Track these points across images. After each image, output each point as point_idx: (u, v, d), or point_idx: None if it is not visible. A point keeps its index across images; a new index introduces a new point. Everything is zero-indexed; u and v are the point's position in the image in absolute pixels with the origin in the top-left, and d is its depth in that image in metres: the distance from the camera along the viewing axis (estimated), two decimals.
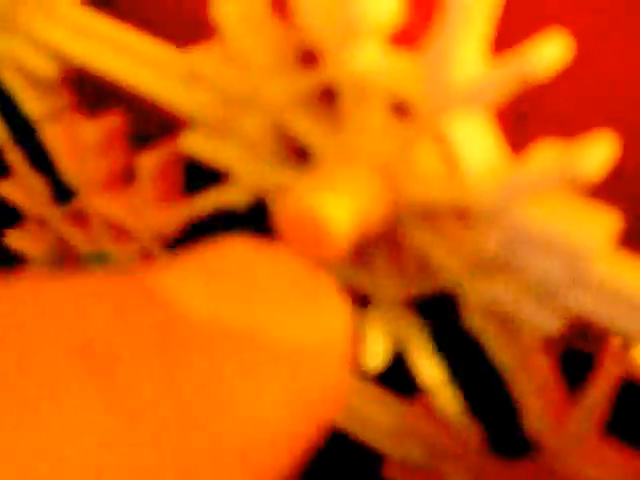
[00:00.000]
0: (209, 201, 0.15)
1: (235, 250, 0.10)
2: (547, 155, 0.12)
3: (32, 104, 0.16)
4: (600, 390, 0.13)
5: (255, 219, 0.15)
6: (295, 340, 0.09)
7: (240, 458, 0.08)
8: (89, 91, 0.16)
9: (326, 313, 0.09)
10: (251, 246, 0.10)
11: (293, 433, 0.08)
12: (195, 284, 0.09)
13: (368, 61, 0.12)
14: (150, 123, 0.17)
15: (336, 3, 0.12)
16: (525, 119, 0.14)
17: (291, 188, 0.13)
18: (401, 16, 0.13)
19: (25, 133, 0.16)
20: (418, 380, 0.15)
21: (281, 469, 0.08)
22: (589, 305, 0.12)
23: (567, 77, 0.13)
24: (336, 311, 0.09)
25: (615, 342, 0.14)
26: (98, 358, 0.08)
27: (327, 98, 0.13)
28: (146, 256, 0.16)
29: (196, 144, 0.14)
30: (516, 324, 0.13)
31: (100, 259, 0.17)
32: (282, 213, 0.12)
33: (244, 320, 0.09)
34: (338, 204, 0.12)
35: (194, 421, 0.08)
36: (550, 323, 0.12)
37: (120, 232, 0.16)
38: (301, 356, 0.09)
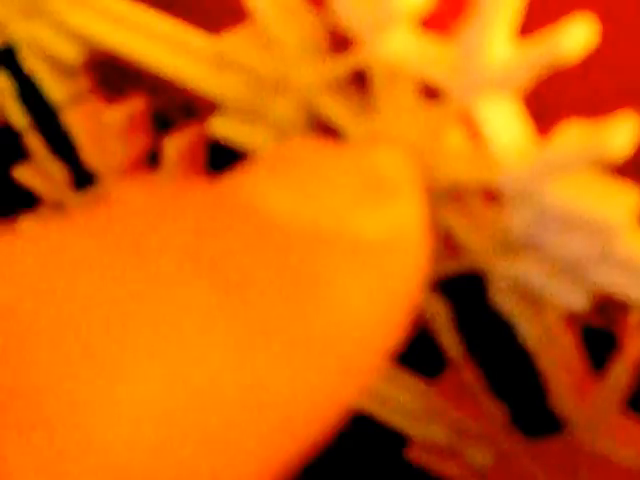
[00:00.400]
0: None
1: (307, 151, 0.10)
2: (573, 135, 0.13)
3: (55, 88, 0.16)
4: (623, 367, 0.14)
5: None
6: (376, 234, 0.10)
7: (340, 354, 0.09)
8: (112, 74, 0.16)
9: (401, 206, 0.10)
10: (321, 146, 0.11)
11: (385, 323, 0.09)
12: (277, 189, 0.10)
13: (400, 45, 0.13)
14: (173, 106, 0.17)
15: None
16: (550, 103, 0.15)
17: None
18: (432, 2, 0.13)
19: (46, 118, 0.16)
20: (444, 358, 0.15)
21: (372, 367, 0.09)
22: (615, 280, 0.13)
23: (592, 61, 0.14)
24: (410, 203, 0.10)
25: (637, 319, 0.14)
26: (209, 266, 0.08)
27: (358, 82, 0.14)
28: None
29: (225, 127, 0.14)
30: (542, 301, 0.13)
31: None
32: None
33: (328, 219, 0.09)
34: None
35: (302, 319, 0.08)
36: (577, 299, 0.13)
37: None
38: (383, 249, 0.09)
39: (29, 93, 0.16)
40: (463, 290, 0.14)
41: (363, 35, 0.13)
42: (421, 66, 0.13)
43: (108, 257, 0.08)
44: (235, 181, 0.10)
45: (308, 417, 0.08)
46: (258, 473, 0.08)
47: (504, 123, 0.13)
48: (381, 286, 0.09)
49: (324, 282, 0.09)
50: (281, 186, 0.10)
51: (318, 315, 0.08)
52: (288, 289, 0.08)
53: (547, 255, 0.13)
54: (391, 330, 0.09)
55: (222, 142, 0.15)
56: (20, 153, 0.18)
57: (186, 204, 0.09)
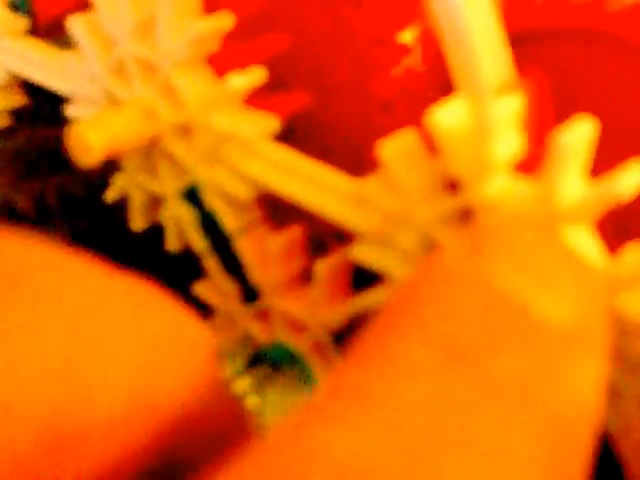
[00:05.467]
0: (371, 299, 0.24)
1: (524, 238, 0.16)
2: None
3: (229, 220, 0.26)
4: None
5: None
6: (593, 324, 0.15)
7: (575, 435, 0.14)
8: (275, 208, 0.26)
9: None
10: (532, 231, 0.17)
11: (597, 407, 0.14)
12: (524, 279, 0.15)
13: (499, 188, 0.22)
14: (324, 234, 0.26)
15: (473, 145, 0.22)
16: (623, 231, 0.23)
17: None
18: (521, 151, 0.22)
19: (221, 243, 0.26)
20: None
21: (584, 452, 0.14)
22: None
23: None
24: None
25: None
26: (461, 351, 0.13)
27: (466, 216, 0.23)
28: (318, 346, 0.26)
29: (362, 254, 0.24)
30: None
31: (278, 349, 0.26)
32: None
33: (572, 314, 0.15)
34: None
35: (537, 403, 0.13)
36: None
37: (296, 326, 0.26)
38: (599, 338, 0.15)
39: (208, 223, 0.26)
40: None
41: (470, 179, 0.22)
42: (515, 204, 0.21)
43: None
44: (473, 265, 0.15)
45: None
46: None
47: (580, 249, 0.21)
48: (599, 371, 0.14)
49: (563, 373, 0.14)
50: (527, 277, 0.15)
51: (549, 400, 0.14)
52: (533, 374, 0.14)
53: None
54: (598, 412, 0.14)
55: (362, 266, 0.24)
56: (198, 273, 0.28)
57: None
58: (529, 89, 0.23)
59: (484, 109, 0.22)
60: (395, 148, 0.23)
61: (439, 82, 0.25)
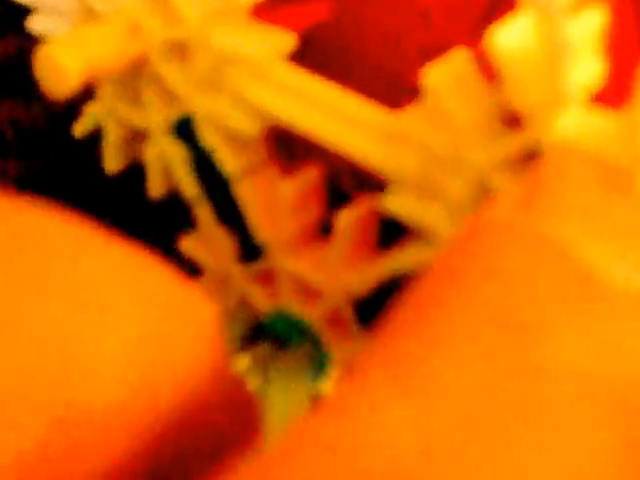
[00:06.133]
0: (404, 260, 0.21)
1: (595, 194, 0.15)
2: None
3: (229, 160, 0.22)
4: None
5: None
6: None
7: None
8: (286, 146, 0.22)
9: None
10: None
11: None
12: (596, 241, 0.13)
13: (572, 124, 0.18)
14: (347, 179, 0.23)
15: (542, 71, 0.18)
16: None
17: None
18: (602, 81, 0.18)
19: (217, 189, 0.23)
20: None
21: None
22: None
23: None
24: None
25: None
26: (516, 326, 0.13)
27: (527, 159, 0.19)
28: (334, 317, 0.22)
29: (397, 204, 0.20)
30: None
31: (283, 318, 0.23)
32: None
33: None
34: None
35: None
36: None
37: (308, 291, 0.22)
38: None
39: (202, 164, 0.23)
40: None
41: (538, 114, 0.18)
42: (592, 142, 0.18)
43: None
44: (536, 219, 0.14)
45: None
46: None
47: None
48: None
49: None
50: (599, 239, 0.13)
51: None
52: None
53: None
54: None
55: (394, 218, 0.20)
56: (185, 224, 0.24)
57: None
58: (611, 7, 0.19)
59: (555, 28, 0.18)
60: (442, 73, 0.20)
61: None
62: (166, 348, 0.14)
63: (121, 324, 0.14)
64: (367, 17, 0.23)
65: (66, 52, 0.22)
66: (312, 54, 0.23)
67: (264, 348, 0.24)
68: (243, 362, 0.24)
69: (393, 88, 0.22)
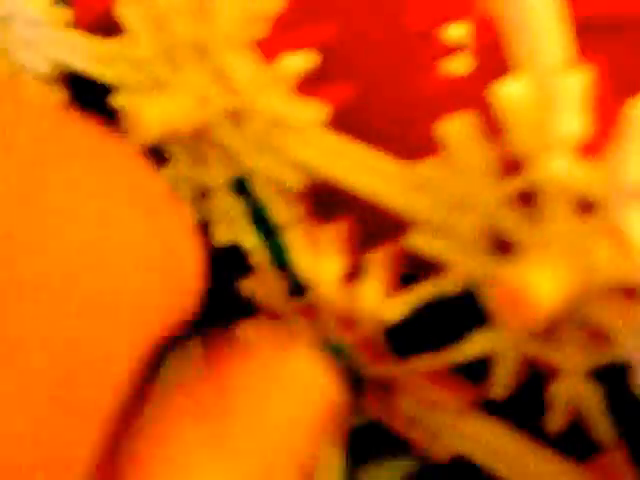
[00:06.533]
0: (428, 291, 0.24)
1: None
2: None
3: (280, 211, 0.26)
4: None
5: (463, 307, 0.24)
6: None
7: None
8: (326, 199, 0.26)
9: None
10: None
11: None
12: None
13: (562, 168, 0.21)
14: (376, 224, 0.26)
15: (537, 121, 0.22)
16: None
17: (501, 274, 0.22)
18: (588, 130, 0.22)
19: (271, 237, 0.26)
20: (594, 442, 0.23)
21: None
22: None
23: None
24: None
25: None
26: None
27: (528, 199, 0.22)
28: (368, 344, 0.25)
29: (420, 242, 0.23)
30: None
31: (326, 347, 0.26)
32: (497, 293, 0.21)
33: None
34: (541, 283, 0.21)
35: None
36: None
37: (346, 322, 0.26)
38: None
39: (258, 216, 0.26)
40: (611, 377, 0.22)
41: (533, 159, 0.22)
42: (581, 184, 0.21)
43: None
44: None
45: None
46: None
47: None
48: None
49: None
50: None
51: None
52: None
53: None
54: None
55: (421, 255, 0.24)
56: (243, 269, 0.28)
57: None
58: (592, 70, 0.23)
59: (548, 85, 0.22)
60: (456, 128, 0.23)
61: (490, 79, 0.25)
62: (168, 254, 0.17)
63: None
64: (385, 101, 0.27)
65: (149, 106, 0.26)
66: (341, 121, 0.27)
67: None
68: None
69: (408, 140, 0.25)
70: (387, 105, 0.27)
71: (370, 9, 0.27)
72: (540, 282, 0.21)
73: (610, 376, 0.22)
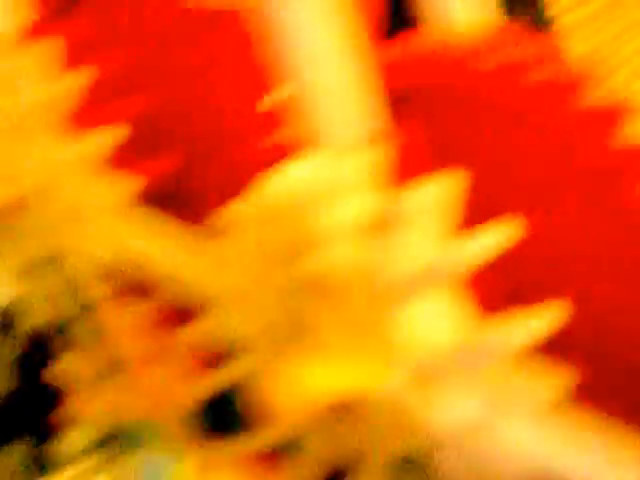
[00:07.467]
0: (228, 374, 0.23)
1: None
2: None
3: (92, 288, 0.26)
4: None
5: None
6: None
7: None
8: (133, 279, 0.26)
9: None
10: None
11: None
12: None
13: (342, 254, 0.21)
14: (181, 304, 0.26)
15: (321, 206, 0.21)
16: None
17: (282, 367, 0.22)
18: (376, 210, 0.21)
19: (85, 313, 0.26)
20: None
21: None
22: None
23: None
24: None
25: None
26: None
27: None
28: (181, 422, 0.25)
29: (215, 322, 0.23)
30: None
31: (139, 424, 0.26)
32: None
33: None
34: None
35: None
36: None
37: (159, 400, 0.25)
38: None
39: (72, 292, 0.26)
40: None
41: (315, 244, 0.21)
42: (365, 271, 0.21)
43: None
44: None
45: None
46: None
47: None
48: None
49: None
50: None
51: None
52: None
53: None
54: None
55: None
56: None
57: None
58: (400, 143, 0.22)
59: (334, 167, 0.21)
60: (246, 210, 0.23)
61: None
62: None
63: None
64: (205, 173, 0.27)
65: None
66: (165, 198, 0.26)
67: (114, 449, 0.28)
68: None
69: None
70: (206, 174, 0.27)
71: (192, 85, 0.27)
72: (317, 379, 0.20)
73: None
